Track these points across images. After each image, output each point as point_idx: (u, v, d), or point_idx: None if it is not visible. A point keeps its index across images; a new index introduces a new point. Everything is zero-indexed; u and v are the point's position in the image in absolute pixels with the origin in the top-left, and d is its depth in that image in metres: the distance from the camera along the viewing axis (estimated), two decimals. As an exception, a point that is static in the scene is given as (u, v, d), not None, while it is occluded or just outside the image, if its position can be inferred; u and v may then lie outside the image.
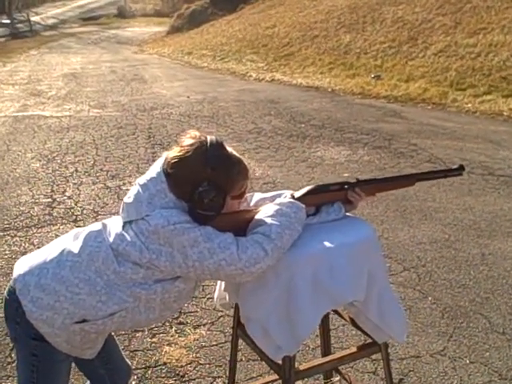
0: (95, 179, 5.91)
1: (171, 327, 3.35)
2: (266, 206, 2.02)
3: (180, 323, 3.37)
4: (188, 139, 1.89)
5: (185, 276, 1.84)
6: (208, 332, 3.27)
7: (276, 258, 1.86)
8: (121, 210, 1.92)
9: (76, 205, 5.19)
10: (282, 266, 1.92)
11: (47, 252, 1.93)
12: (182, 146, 1.88)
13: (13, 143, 7.46)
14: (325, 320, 2.39)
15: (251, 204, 2.13)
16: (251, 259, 1.80)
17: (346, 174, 5.79)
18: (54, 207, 5.15)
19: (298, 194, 2.08)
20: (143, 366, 3.02)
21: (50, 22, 41.06)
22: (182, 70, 14.93)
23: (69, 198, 5.39)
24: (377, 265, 2.07)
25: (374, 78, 11.52)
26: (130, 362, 2.31)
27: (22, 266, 1.92)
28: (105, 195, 5.42)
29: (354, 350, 2.23)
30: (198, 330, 3.31)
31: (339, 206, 2.10)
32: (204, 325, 3.36)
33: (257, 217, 1.95)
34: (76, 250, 1.87)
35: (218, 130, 7.89)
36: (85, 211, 5.03)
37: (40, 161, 6.61)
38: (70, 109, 9.66)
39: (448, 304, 3.46)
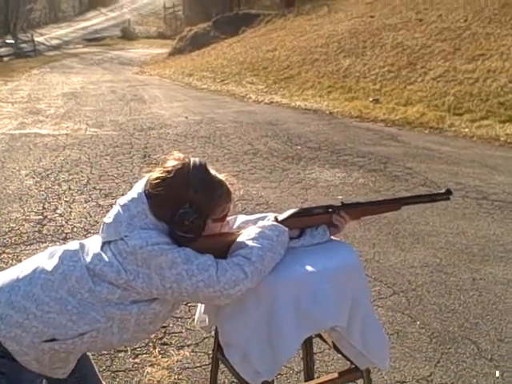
0: (88, 197, 5.88)
1: (154, 348, 3.29)
2: (249, 228, 1.99)
3: (164, 344, 3.32)
4: (171, 161, 1.88)
5: (162, 298, 1.81)
6: (192, 353, 3.21)
7: (256, 281, 1.83)
8: (100, 230, 1.90)
9: (67, 223, 5.15)
10: (263, 290, 1.88)
11: (21, 269, 1.89)
12: (164, 167, 1.86)
13: (8, 160, 7.45)
14: (308, 344, 2.35)
15: (234, 226, 2.11)
16: (230, 281, 1.77)
17: (339, 197, 5.76)
18: (45, 224, 5.12)
19: (281, 216, 2.05)
20: (130, 387, 2.96)
21: (54, 42, 41.40)
22: (181, 91, 14.99)
23: (60, 215, 5.36)
24: (361, 290, 2.03)
25: (372, 101, 11.55)
26: (104, 383, 2.26)
27: (-9, 284, 1.88)
28: (96, 213, 5.39)
29: (335, 375, 2.18)
30: (181, 351, 3.25)
31: (324, 229, 2.08)
32: (188, 346, 3.30)
33: (239, 239, 1.93)
34: (49, 268, 1.84)
35: (214, 151, 7.88)
36: (75, 229, 4.99)
37: (33, 178, 6.59)
38: (67, 127, 9.67)
39: (436, 329, 3.41)
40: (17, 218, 5.28)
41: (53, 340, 1.80)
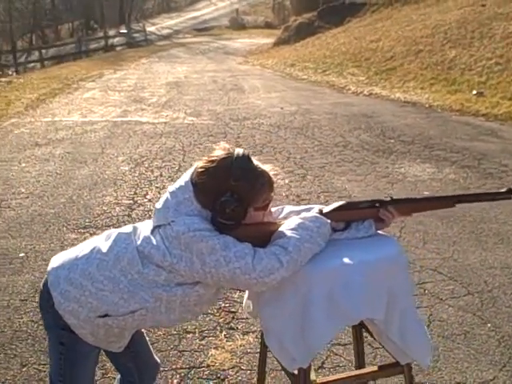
0: (177, 184, 6.10)
1: (221, 331, 3.42)
2: (291, 219, 2.05)
3: (230, 328, 3.44)
4: (217, 150, 1.97)
5: (203, 281, 1.91)
6: (255, 339, 3.30)
7: (292, 271, 1.88)
8: (153, 215, 2.03)
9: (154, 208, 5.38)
10: (300, 279, 1.94)
11: (80, 249, 2.06)
12: (209, 157, 1.95)
13: (108, 146, 7.86)
14: (358, 335, 2.37)
15: (280, 217, 2.17)
16: (265, 270, 1.84)
17: (425, 193, 5.65)
18: (134, 209, 5.40)
19: (326, 209, 2.09)
20: (187, 366, 3.11)
21: (165, 32, 42.77)
22: (281, 82, 15.09)
23: (149, 200, 5.62)
24: (400, 285, 2.03)
25: (475, 94, 11.11)
26: (158, 360, 2.40)
27: (56, 261, 2.06)
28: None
29: (375, 368, 2.20)
30: (246, 337, 3.36)
31: (370, 223, 2.09)
32: (253, 332, 3.41)
33: (279, 229, 1.99)
34: (105, 250, 1.98)
35: (305, 142, 7.92)
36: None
37: (129, 164, 6.93)
38: (166, 116, 10.04)
39: (507, 332, 3.30)
40: (109, 202, 5.59)
41: (106, 316, 1.94)
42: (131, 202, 5.60)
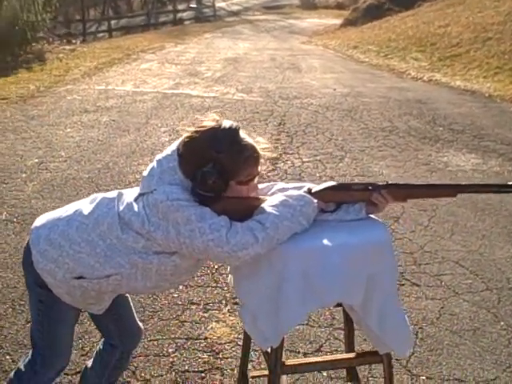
0: (212, 158, 6.11)
1: (226, 305, 3.42)
2: (276, 195, 2.00)
3: (235, 303, 3.42)
4: (206, 122, 1.94)
5: (179, 251, 1.89)
6: (258, 316, 3.27)
7: (266, 247, 1.85)
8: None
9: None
10: (275, 256, 1.90)
11: (65, 210, 2.08)
12: (196, 127, 1.93)
13: (153, 117, 7.93)
14: (349, 319, 2.32)
15: (269, 193, 2.12)
16: (239, 244, 1.81)
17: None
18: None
19: (316, 188, 2.03)
20: (185, 336, 3.13)
21: (235, 8, 42.65)
22: (340, 63, 14.83)
23: (182, 172, 5.64)
24: (383, 271, 1.96)
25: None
26: (141, 325, 2.40)
27: (40, 220, 2.09)
28: (215, 174, 5.59)
29: (351, 355, 2.13)
30: (249, 313, 3.34)
31: (360, 206, 2.03)
32: (257, 309, 3.38)
33: (262, 205, 1.95)
34: (86, 212, 2.00)
35: (350, 125, 7.77)
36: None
37: (170, 136, 6.98)
38: (217, 91, 10.03)
39: (520, 333, 3.16)
40: (143, 171, 5.62)
41: (81, 278, 1.96)
42: (164, 172, 5.63)
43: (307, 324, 3.20)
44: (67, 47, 15.03)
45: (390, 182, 2.04)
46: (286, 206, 1.89)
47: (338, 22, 27.93)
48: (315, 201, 1.95)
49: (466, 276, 3.76)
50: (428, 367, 2.89)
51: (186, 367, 2.87)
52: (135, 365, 2.87)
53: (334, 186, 2.04)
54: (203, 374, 2.82)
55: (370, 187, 2.02)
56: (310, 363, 2.09)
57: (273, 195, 2.03)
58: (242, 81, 11.13)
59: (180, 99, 9.16)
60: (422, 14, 22.41)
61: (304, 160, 6.13)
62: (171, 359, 2.93)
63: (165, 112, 8.27)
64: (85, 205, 2.05)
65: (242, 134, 1.92)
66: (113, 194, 2.06)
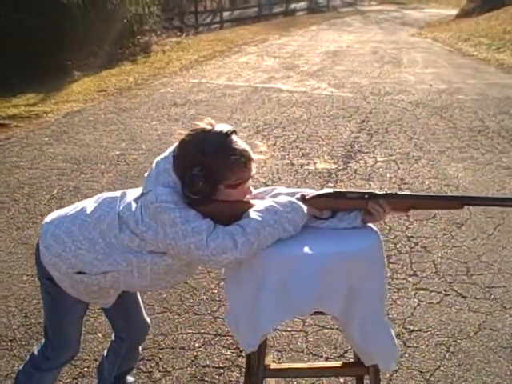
0: (286, 154, 6.17)
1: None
2: (265, 200, 2.04)
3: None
4: (200, 125, 2.01)
5: (168, 252, 1.98)
6: (290, 319, 3.30)
7: (246, 253, 1.89)
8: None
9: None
10: (255, 262, 1.94)
11: (73, 207, 2.22)
12: (190, 130, 2.00)
13: (238, 112, 8.08)
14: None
15: (267, 197, 2.15)
16: (218, 248, 1.87)
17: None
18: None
19: (309, 195, 2.05)
20: (214, 332, 3.22)
21: (352, -2, 42.05)
22: (445, 57, 14.28)
23: (251, 168, 5.71)
24: (366, 281, 1.94)
25: None
26: (149, 320, 2.52)
27: (50, 216, 2.25)
28: (284, 171, 5.65)
29: (337, 364, 2.13)
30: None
31: (356, 214, 2.03)
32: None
33: (250, 210, 1.99)
34: (89, 211, 2.13)
35: (437, 123, 7.51)
36: (257, 183, 5.27)
37: (249, 131, 7.08)
38: (308, 85, 10.02)
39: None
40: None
41: (81, 273, 2.09)
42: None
43: (336, 328, 3.19)
44: (173, 39, 15.52)
45: (388, 192, 2.02)
46: (271, 212, 1.92)
47: (455, 12, 26.81)
48: (305, 208, 1.97)
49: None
50: (452, 383, 2.80)
51: (208, 362, 2.97)
52: (160, 356, 3.01)
53: (328, 194, 2.04)
54: (222, 371, 2.90)
55: (366, 196, 2.01)
56: (295, 369, 2.11)
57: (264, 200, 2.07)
58: (337, 75, 11.04)
59: (269, 94, 9.24)
60: (545, 4, 21.07)
61: (378, 160, 6.02)
62: (195, 353, 3.04)
63: (250, 107, 8.39)
64: (90, 203, 2.18)
65: (235, 137, 1.96)
66: (116, 193, 2.18)
